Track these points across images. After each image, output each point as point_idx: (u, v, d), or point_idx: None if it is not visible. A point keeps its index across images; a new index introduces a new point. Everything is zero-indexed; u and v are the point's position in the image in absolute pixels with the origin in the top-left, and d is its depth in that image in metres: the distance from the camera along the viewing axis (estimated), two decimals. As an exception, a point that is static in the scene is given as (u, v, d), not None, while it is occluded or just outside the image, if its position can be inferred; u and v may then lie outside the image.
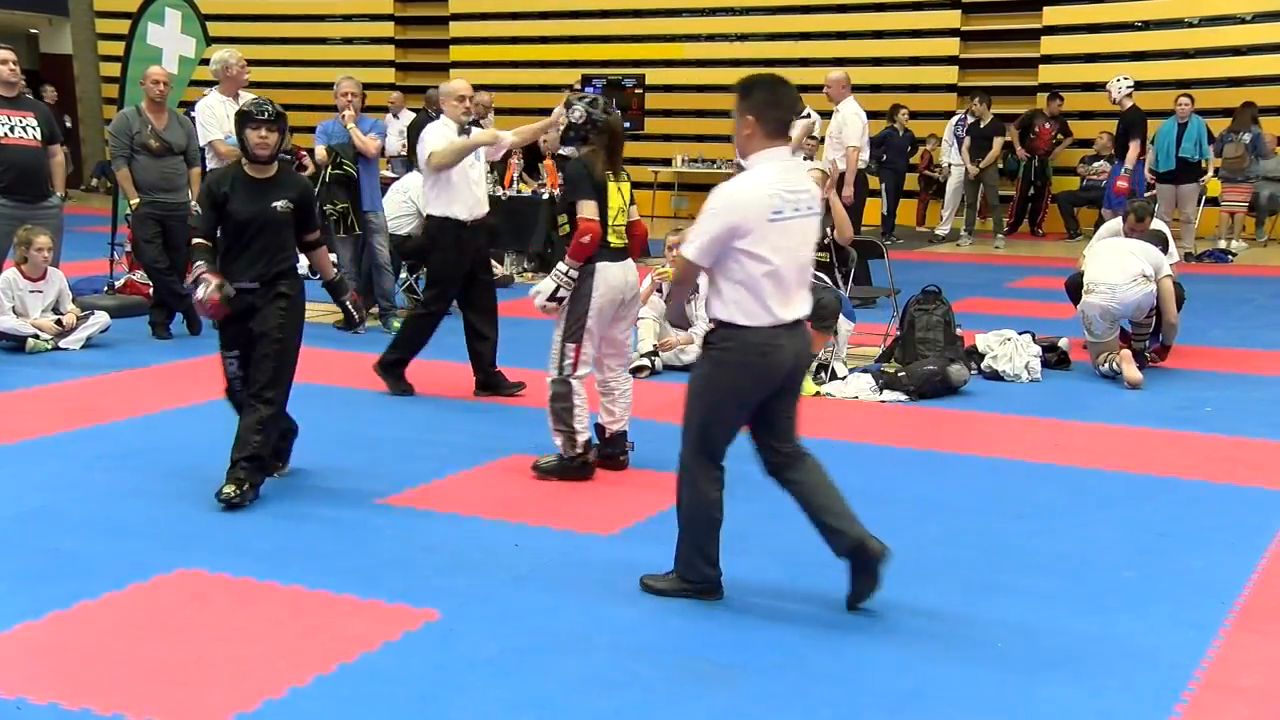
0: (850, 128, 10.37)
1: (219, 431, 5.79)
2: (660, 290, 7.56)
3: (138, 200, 8.01)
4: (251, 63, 9.02)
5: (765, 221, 3.55)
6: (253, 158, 4.76)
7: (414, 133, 12.23)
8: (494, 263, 10.93)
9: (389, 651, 3.46)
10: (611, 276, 5.02)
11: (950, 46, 16.08)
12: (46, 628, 3.57)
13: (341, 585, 3.91)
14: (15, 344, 7.50)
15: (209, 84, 8.70)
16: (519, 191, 11.72)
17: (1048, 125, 14.79)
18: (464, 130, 6.52)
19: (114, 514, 4.60)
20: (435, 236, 6.54)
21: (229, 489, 4.63)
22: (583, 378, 5.07)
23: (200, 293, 4.61)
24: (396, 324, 8.56)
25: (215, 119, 8.23)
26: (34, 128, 7.70)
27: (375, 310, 8.68)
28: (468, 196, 6.50)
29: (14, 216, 7.65)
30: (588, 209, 4.94)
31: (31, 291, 7.63)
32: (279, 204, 4.76)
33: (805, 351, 3.78)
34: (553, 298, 5.00)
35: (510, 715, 3.13)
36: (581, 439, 5.08)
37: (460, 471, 5.23)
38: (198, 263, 4.72)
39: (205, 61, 9.17)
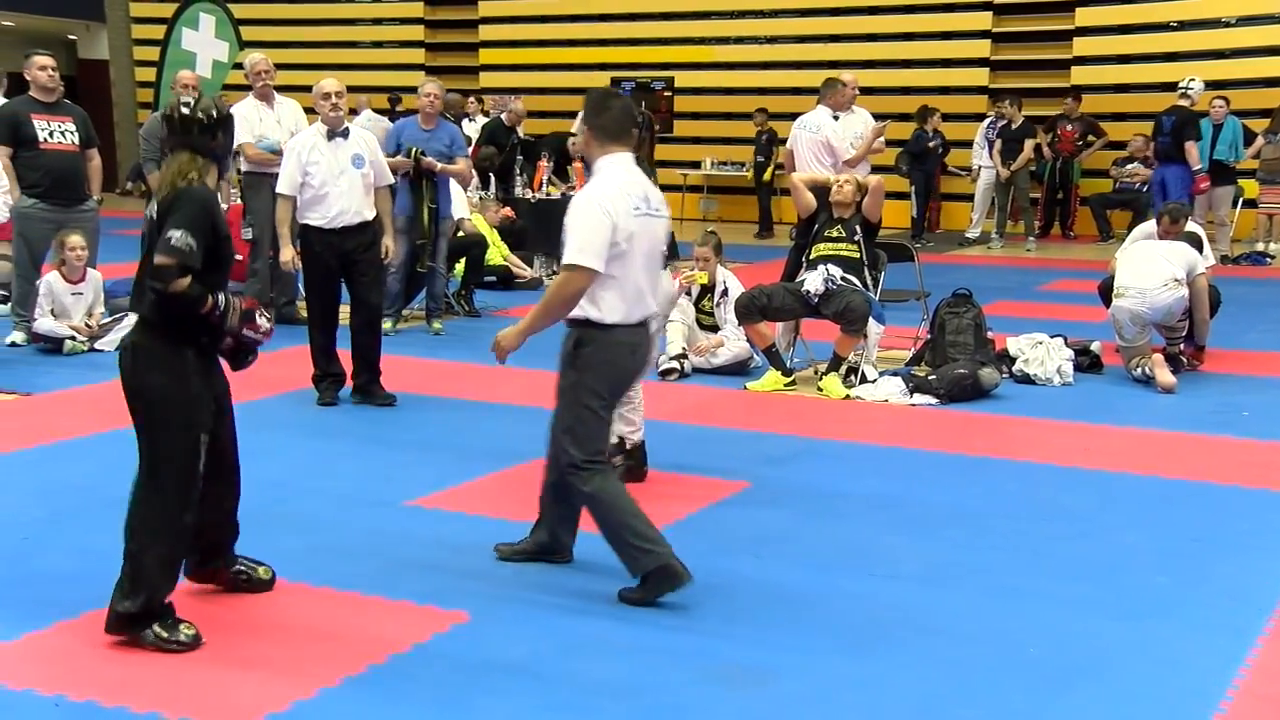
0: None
1: (252, 432, 5.83)
2: (689, 293, 7.55)
3: None
4: (281, 66, 9.10)
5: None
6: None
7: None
8: (523, 265, 11.08)
9: (418, 653, 3.47)
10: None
11: (981, 48, 15.99)
12: (82, 626, 3.60)
13: (371, 587, 3.92)
14: (53, 346, 7.58)
15: (244, 88, 8.78)
16: (548, 194, 11.76)
17: (1070, 127, 14.67)
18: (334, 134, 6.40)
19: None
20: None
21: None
22: None
23: (252, 333, 3.77)
24: (438, 325, 8.61)
25: (246, 123, 8.30)
26: (72, 132, 7.78)
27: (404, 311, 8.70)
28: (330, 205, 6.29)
29: (51, 220, 7.73)
30: None
31: (72, 294, 7.71)
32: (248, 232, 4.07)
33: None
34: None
35: (538, 717, 3.13)
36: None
37: (488, 474, 5.24)
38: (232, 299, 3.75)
39: (239, 65, 9.25)
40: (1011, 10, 15.87)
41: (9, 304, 8.07)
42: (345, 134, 6.43)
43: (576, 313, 3.79)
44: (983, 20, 15.92)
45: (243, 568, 3.92)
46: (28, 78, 7.80)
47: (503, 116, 12.73)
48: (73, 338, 7.59)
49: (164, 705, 3.11)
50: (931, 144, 14.35)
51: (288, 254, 6.51)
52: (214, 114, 3.64)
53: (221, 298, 3.55)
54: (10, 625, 3.58)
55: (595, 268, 3.71)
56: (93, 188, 7.99)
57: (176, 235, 3.43)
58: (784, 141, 15.65)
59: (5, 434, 5.73)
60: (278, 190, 6.46)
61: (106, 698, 3.15)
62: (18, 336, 7.75)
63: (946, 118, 14.80)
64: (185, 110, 3.61)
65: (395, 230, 8.39)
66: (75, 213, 7.82)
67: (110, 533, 4.38)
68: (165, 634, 3.45)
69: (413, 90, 9.04)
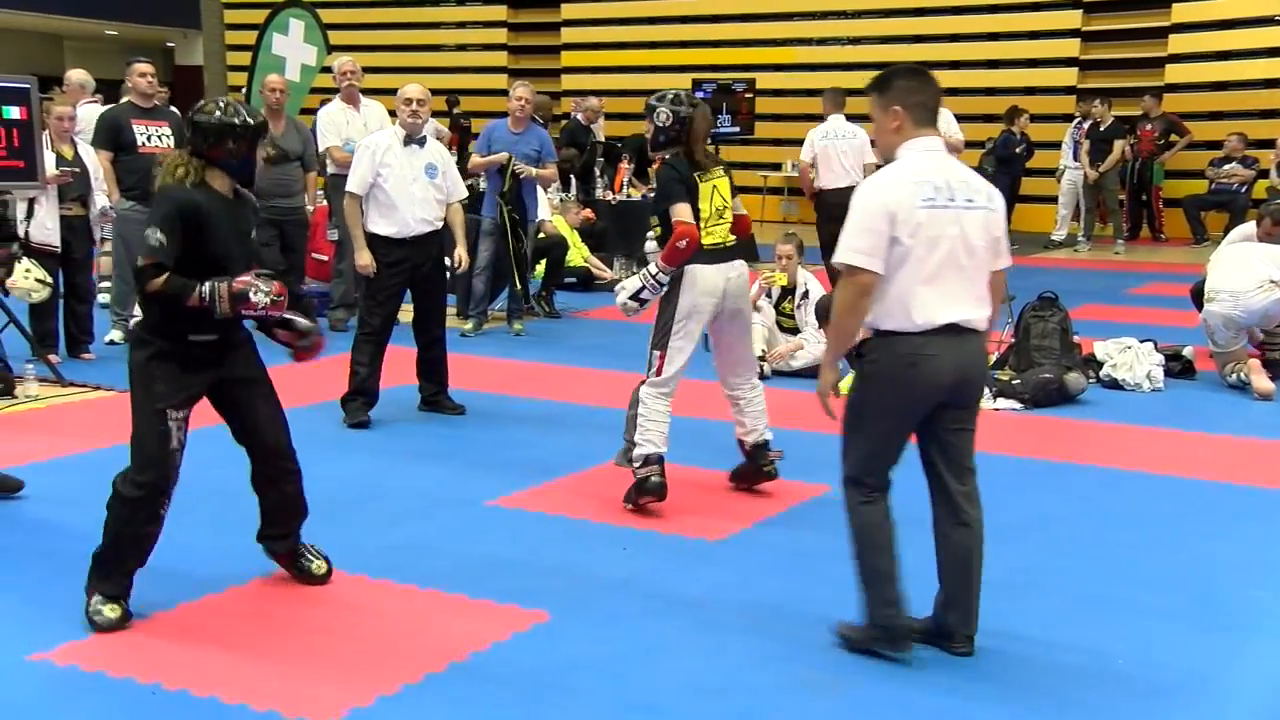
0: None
1: (336, 430, 5.94)
2: (769, 295, 7.52)
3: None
4: (367, 70, 9.24)
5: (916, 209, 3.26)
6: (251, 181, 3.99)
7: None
8: (603, 266, 11.12)
9: (498, 651, 3.51)
10: (705, 279, 4.70)
11: (1070, 48, 15.68)
12: (177, 618, 3.71)
13: (452, 585, 3.97)
14: (145, 344, 7.78)
15: (333, 91, 8.94)
16: (628, 196, 11.79)
17: (1149, 127, 14.31)
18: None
19: (234, 511, 4.72)
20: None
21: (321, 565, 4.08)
22: (666, 389, 4.78)
23: (302, 341, 3.98)
24: (519, 326, 8.69)
25: (333, 126, 8.46)
26: (168, 136, 7.99)
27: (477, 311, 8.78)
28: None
29: (142, 221, 7.95)
30: (682, 212, 4.65)
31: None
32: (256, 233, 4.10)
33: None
34: (635, 297, 4.79)
35: (617, 718, 3.14)
36: (640, 451, 4.74)
37: (569, 474, 5.27)
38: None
39: (327, 69, 9.42)
40: (1102, 8, 15.53)
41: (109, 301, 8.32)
42: (422, 142, 6.31)
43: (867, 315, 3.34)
44: (1072, 19, 15.61)
45: (303, 555, 4.03)
46: (128, 84, 8.03)
47: (579, 116, 12.72)
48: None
49: (251, 697, 3.18)
50: (1019, 148, 14.09)
51: (365, 258, 6.18)
52: (235, 122, 3.66)
53: (207, 286, 3.55)
54: (107, 615, 3.68)
55: (867, 267, 3.25)
56: None
57: (149, 233, 3.57)
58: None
59: (103, 429, 5.89)
60: (348, 189, 6.26)
61: (199, 688, 3.23)
62: (115, 335, 7.98)
63: (1032, 119, 14.55)
64: (207, 115, 3.68)
65: (481, 232, 8.51)
66: None
67: (203, 527, 4.51)
68: (92, 605, 3.60)
69: (496, 93, 9.13)
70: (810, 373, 7.25)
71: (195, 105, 3.82)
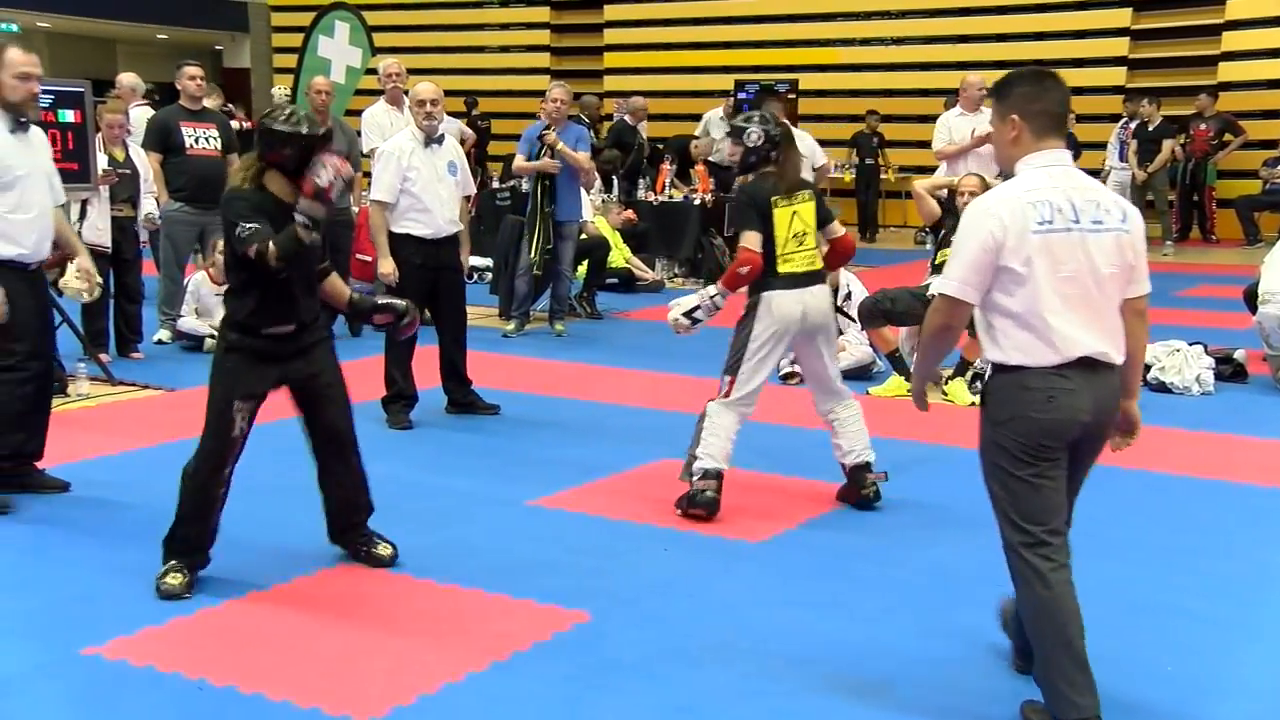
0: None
1: (380, 429, 5.99)
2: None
3: None
4: (412, 71, 9.31)
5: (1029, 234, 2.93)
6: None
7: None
8: (645, 267, 11.13)
9: (539, 651, 3.52)
10: (780, 306, 4.56)
11: (1119, 46, 15.50)
12: (223, 614, 3.75)
13: (494, 584, 3.99)
14: (194, 343, 7.89)
15: (376, 93, 9.01)
16: (670, 197, 11.79)
17: (1204, 126, 14.09)
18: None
19: (281, 508, 4.79)
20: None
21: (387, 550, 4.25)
22: (735, 409, 4.68)
23: (401, 327, 4.35)
24: (561, 327, 8.71)
25: (377, 128, 8.53)
26: (215, 138, 8.10)
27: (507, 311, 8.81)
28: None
29: (194, 222, 8.06)
30: (749, 240, 4.56)
31: (216, 295, 8.01)
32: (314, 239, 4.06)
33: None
34: (688, 314, 4.71)
35: (658, 719, 3.14)
36: (699, 464, 4.67)
37: (610, 475, 5.28)
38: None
39: (372, 71, 9.50)
40: (1153, 5, 15.33)
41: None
42: (440, 140, 6.28)
43: (988, 351, 3.07)
44: (1121, 17, 15.43)
45: (365, 540, 4.21)
46: (178, 86, 8.16)
47: (625, 117, 12.74)
48: (212, 336, 7.88)
49: (296, 694, 3.22)
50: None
51: (387, 266, 6.12)
52: (295, 130, 3.86)
53: (297, 216, 3.80)
54: (158, 611, 3.74)
55: (959, 297, 2.98)
56: None
57: (240, 229, 3.80)
58: (892, 145, 15.50)
59: (155, 428, 5.98)
60: (375, 198, 6.14)
61: (245, 684, 3.27)
62: (164, 334, 8.10)
63: (1078, 119, 14.38)
64: (271, 121, 3.88)
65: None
66: (216, 214, 8.10)
67: (256, 523, 4.56)
68: (160, 574, 3.88)
69: (539, 94, 9.15)
70: (853, 374, 7.22)
71: (265, 111, 4.03)
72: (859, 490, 4.79)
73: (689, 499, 4.67)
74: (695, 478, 4.66)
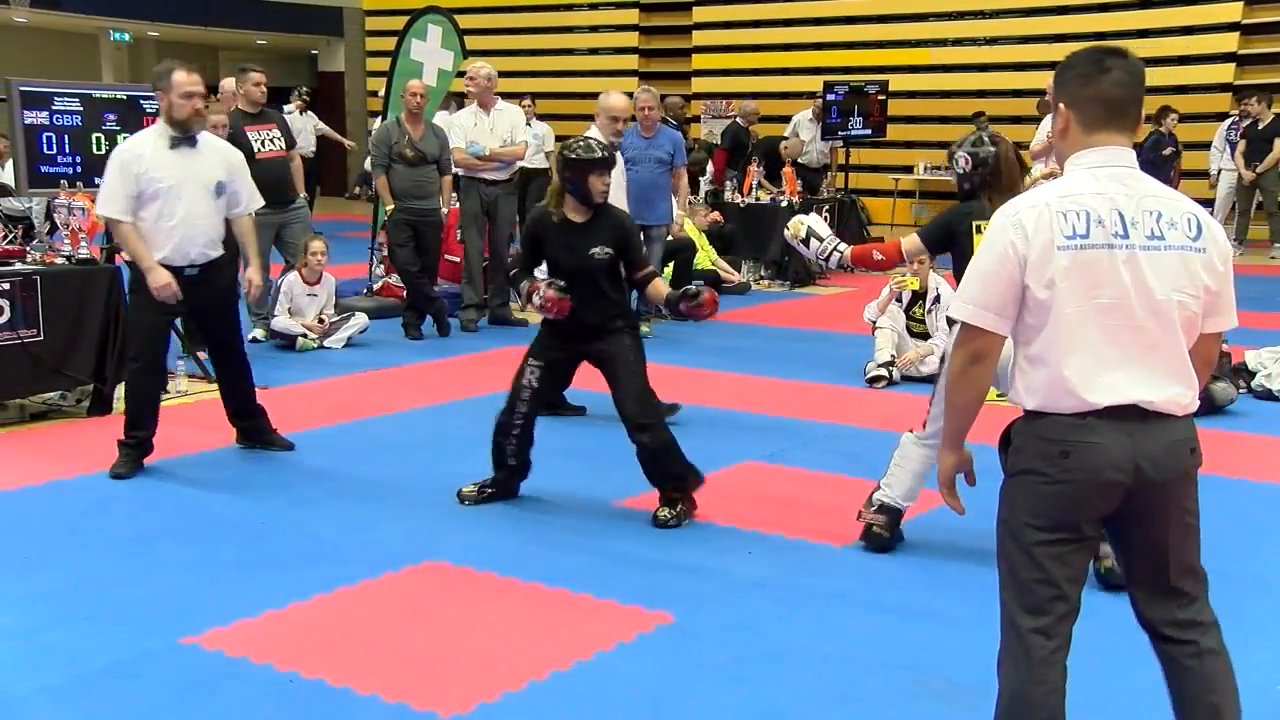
0: None
1: (467, 430, 6.05)
2: (899, 300, 7.40)
3: (393, 206, 8.46)
4: (502, 74, 9.39)
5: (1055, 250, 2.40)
6: (590, 202, 4.68)
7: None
8: (731, 269, 11.10)
9: (623, 652, 3.53)
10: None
11: (1228, 42, 15.03)
12: (312, 609, 3.83)
13: (579, 584, 4.01)
14: (287, 343, 8.06)
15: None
16: (757, 199, 11.74)
17: None
18: None
19: (369, 505, 4.88)
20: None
21: (665, 513, 4.66)
22: (926, 445, 4.26)
23: (536, 300, 4.64)
24: (647, 328, 8.72)
25: (460, 129, 8.65)
26: (278, 138, 8.25)
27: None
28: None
29: (269, 223, 8.21)
30: (908, 239, 4.43)
31: (308, 294, 8.18)
32: (597, 250, 4.65)
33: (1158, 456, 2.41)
34: (807, 236, 4.55)
35: (741, 723, 3.13)
36: (878, 496, 4.36)
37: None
38: (521, 283, 4.78)
39: (463, 74, 9.62)
40: (1265, -1, 14.83)
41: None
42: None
43: (1010, 391, 2.55)
44: (1232, 11, 14.94)
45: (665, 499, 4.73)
46: (240, 91, 8.23)
47: (739, 120, 12.89)
48: (305, 335, 8.05)
49: (384, 689, 3.27)
50: (1168, 150, 13.55)
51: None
52: (568, 156, 4.62)
53: (523, 284, 4.81)
54: (252, 604, 3.83)
55: (980, 325, 2.45)
56: (297, 187, 8.46)
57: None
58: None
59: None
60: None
61: (333, 678, 3.33)
62: (258, 333, 8.28)
63: (1183, 118, 13.99)
64: (574, 151, 4.63)
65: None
66: (288, 212, 8.27)
67: (339, 521, 4.65)
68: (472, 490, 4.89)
69: (627, 96, 9.16)
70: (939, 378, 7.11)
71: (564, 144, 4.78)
72: (882, 530, 4.38)
73: (862, 531, 4.42)
74: (872, 509, 4.39)
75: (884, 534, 4.33)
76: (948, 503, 2.72)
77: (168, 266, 5.14)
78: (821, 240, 4.56)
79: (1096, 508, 2.42)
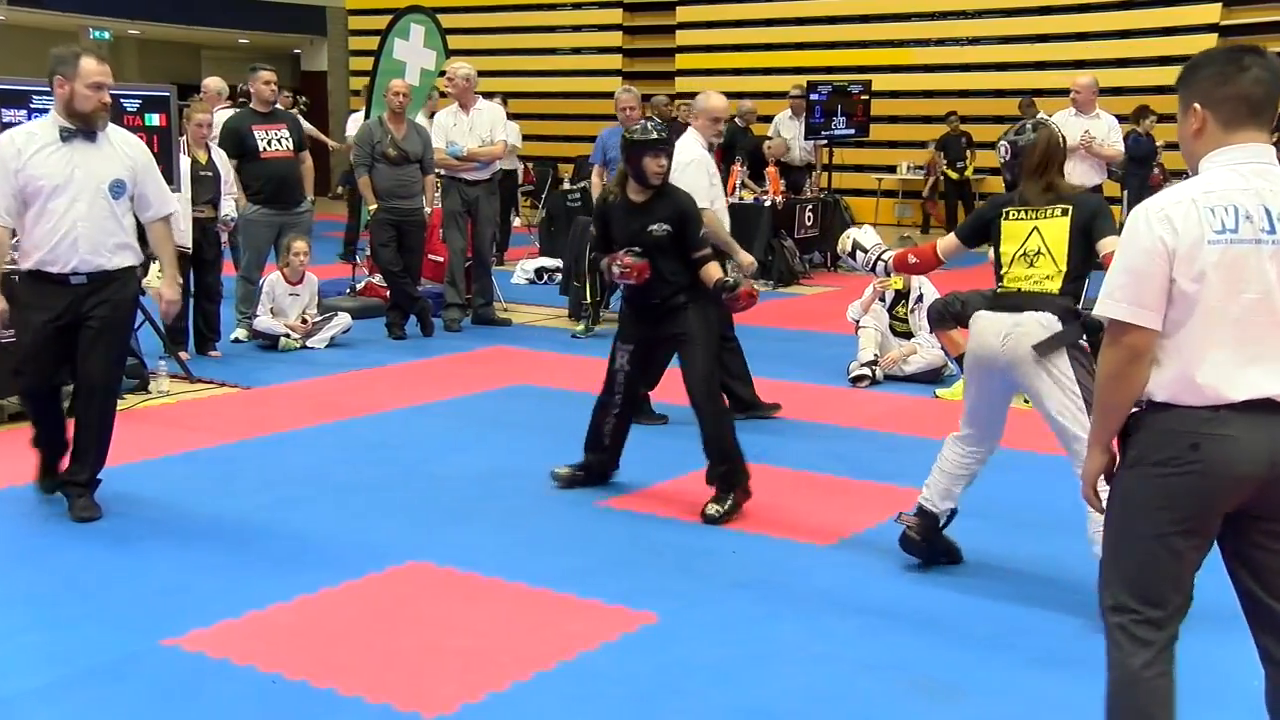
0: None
1: (450, 430, 6.05)
2: (882, 299, 7.43)
3: (375, 206, 8.45)
4: (484, 73, 9.39)
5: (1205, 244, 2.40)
6: (646, 183, 4.82)
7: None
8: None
9: (607, 652, 3.53)
10: (980, 329, 3.96)
11: (1208, 43, 15.10)
12: (296, 610, 3.81)
13: (562, 584, 4.01)
14: (269, 342, 8.03)
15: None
16: (741, 199, 11.75)
17: None
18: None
19: (353, 506, 4.87)
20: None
21: (713, 508, 4.72)
22: (960, 439, 4.16)
23: (615, 268, 4.77)
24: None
25: (440, 129, 8.65)
26: (286, 138, 8.24)
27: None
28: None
29: (272, 223, 8.21)
30: (942, 240, 4.34)
31: (290, 294, 8.16)
32: (655, 228, 4.78)
33: None
34: (854, 248, 4.53)
35: (726, 723, 3.14)
36: (921, 498, 4.22)
37: (680, 476, 5.28)
38: (601, 262, 4.95)
39: (444, 73, 9.61)
40: (1244, 1, 14.92)
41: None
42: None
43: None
44: (1211, 13, 15.03)
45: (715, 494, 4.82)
46: (250, 90, 8.31)
47: (737, 120, 12.87)
48: (287, 335, 8.03)
49: (367, 690, 3.26)
50: (1146, 151, 13.62)
51: (747, 258, 6.32)
52: (631, 137, 4.79)
53: (604, 261, 4.97)
54: (234, 605, 3.81)
55: (1134, 321, 2.42)
56: (306, 189, 8.44)
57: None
58: (982, 145, 15.29)
59: (230, 425, 6.10)
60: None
61: (316, 679, 3.32)
62: (240, 333, 8.25)
63: (1161, 119, 14.07)
64: (631, 133, 4.80)
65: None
66: (293, 214, 8.27)
67: (324, 522, 4.64)
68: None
69: (611, 95, 9.17)
70: (924, 377, 7.14)
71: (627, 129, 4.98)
72: (921, 539, 4.21)
73: (901, 535, 4.26)
74: (909, 512, 4.23)
75: (917, 538, 4.17)
76: (1089, 502, 2.69)
77: (47, 274, 4.51)
78: (866, 251, 4.53)
79: (1226, 501, 2.42)
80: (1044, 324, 3.81)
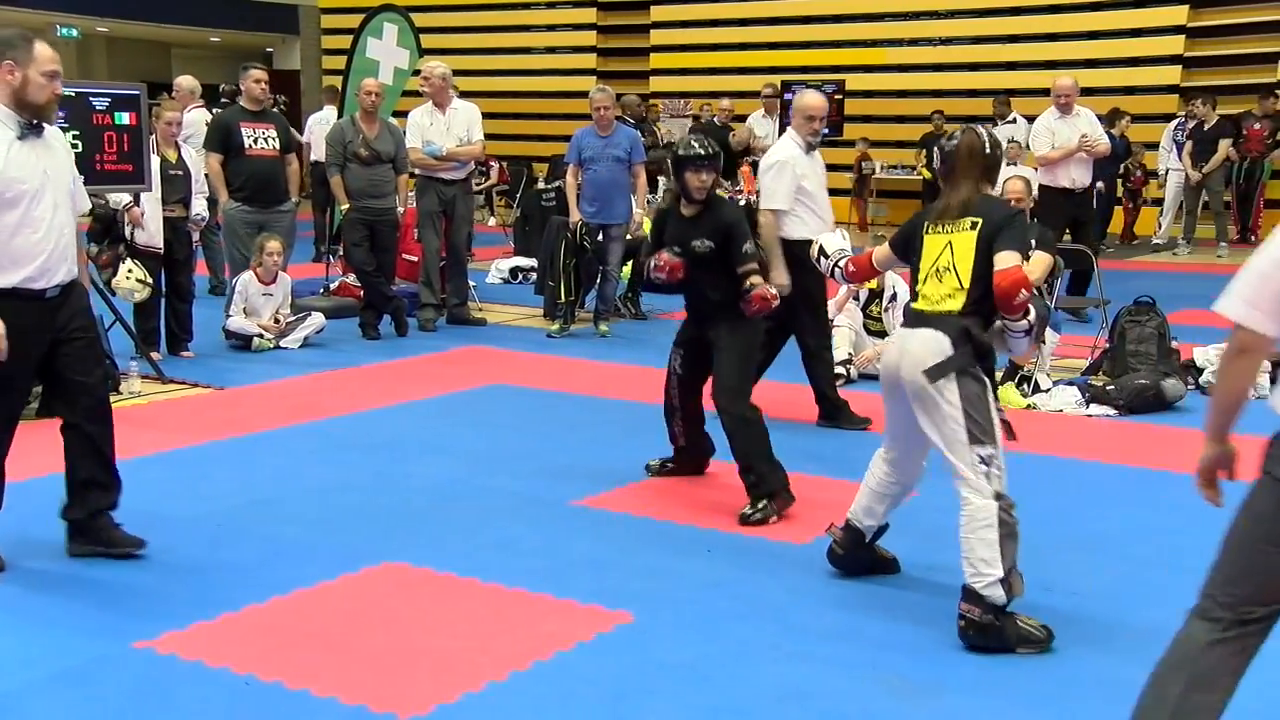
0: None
1: (424, 430, 6.03)
2: (857, 298, 7.45)
3: (347, 205, 8.41)
4: (459, 73, 9.36)
5: None
6: (689, 198, 4.91)
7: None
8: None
9: (583, 652, 3.53)
10: (889, 349, 3.86)
11: (1174, 44, 15.27)
12: (270, 611, 3.79)
13: (537, 584, 4.00)
14: (242, 343, 7.99)
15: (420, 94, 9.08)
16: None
17: (1258, 125, 13.82)
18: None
19: (327, 506, 4.84)
20: None
21: (746, 510, 4.72)
22: (881, 451, 4.05)
23: (652, 265, 4.91)
24: (605, 328, 8.73)
25: (416, 128, 8.62)
26: (274, 138, 8.21)
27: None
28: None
29: (253, 221, 8.16)
30: (877, 251, 4.27)
31: (263, 294, 8.11)
32: (697, 243, 4.85)
33: None
34: (820, 253, 4.51)
35: (701, 721, 3.14)
36: (850, 510, 4.12)
37: (655, 476, 5.28)
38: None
39: (419, 72, 9.58)
40: (1210, 2, 15.07)
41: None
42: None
43: (1273, 396, 2.51)
44: (1178, 15, 15.19)
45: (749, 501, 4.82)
46: (242, 88, 8.28)
47: (715, 119, 12.93)
48: (260, 335, 7.98)
49: (342, 690, 3.24)
50: (1120, 154, 13.72)
51: (784, 276, 5.98)
52: (676, 154, 4.89)
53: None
54: (207, 606, 3.79)
55: (1250, 325, 2.43)
56: (291, 190, 8.40)
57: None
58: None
59: (203, 426, 6.06)
60: (774, 207, 6.11)
61: (291, 680, 3.30)
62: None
63: (1133, 119, 14.19)
64: (676, 149, 4.88)
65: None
66: (274, 213, 8.23)
67: (298, 522, 4.61)
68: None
69: (585, 95, 9.17)
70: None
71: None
72: (848, 551, 4.13)
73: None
74: (843, 525, 4.14)
75: (837, 548, 4.11)
76: (1203, 495, 2.65)
77: (28, 291, 3.98)
78: (828, 257, 4.51)
79: None
80: (933, 348, 3.60)
